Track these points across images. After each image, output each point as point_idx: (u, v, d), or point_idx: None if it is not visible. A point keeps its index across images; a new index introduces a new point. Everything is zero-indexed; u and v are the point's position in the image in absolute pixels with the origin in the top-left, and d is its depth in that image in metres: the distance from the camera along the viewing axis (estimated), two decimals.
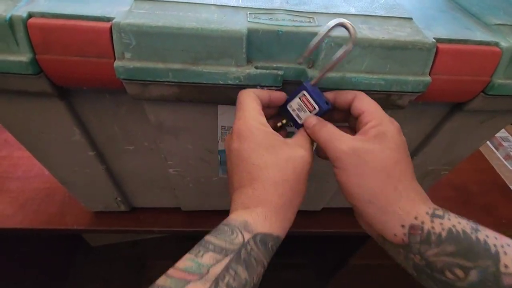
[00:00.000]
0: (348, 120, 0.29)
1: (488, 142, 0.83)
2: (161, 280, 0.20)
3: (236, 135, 0.25)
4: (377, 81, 0.27)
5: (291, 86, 0.28)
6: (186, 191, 0.46)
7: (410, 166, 0.25)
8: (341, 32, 0.25)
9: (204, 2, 0.27)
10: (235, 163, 0.25)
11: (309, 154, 0.25)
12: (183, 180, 0.43)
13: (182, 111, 0.31)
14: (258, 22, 0.25)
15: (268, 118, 0.26)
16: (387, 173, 0.23)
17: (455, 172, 0.64)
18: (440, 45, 0.27)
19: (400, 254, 0.24)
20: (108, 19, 0.24)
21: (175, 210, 0.52)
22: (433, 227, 0.22)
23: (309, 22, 0.26)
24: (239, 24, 0.25)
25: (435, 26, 0.29)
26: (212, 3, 0.27)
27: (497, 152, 0.80)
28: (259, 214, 0.23)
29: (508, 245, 0.20)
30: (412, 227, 0.22)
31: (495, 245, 0.21)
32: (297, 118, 0.28)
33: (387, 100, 0.29)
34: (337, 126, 0.26)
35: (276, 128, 0.28)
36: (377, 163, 0.23)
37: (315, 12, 0.28)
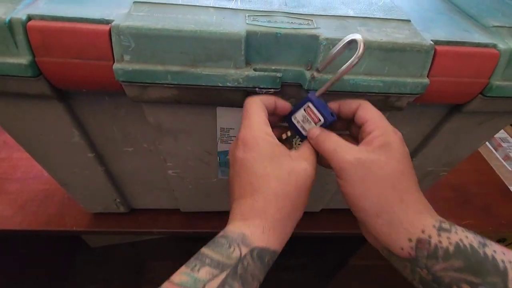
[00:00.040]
0: (349, 128, 0.28)
1: (487, 143, 0.83)
2: None
3: (242, 143, 0.25)
4: (376, 83, 0.27)
5: (289, 88, 0.28)
6: (185, 192, 0.46)
7: (415, 177, 0.24)
8: (339, 34, 0.26)
9: (203, 5, 0.27)
10: (237, 172, 0.25)
11: (313, 168, 0.25)
12: (182, 181, 0.43)
13: (181, 113, 0.31)
14: (256, 25, 0.25)
15: (273, 126, 0.26)
16: (393, 184, 0.23)
17: (454, 173, 0.64)
18: (438, 47, 0.27)
19: (407, 267, 0.23)
20: (107, 22, 0.24)
21: (174, 211, 0.52)
22: (440, 241, 0.22)
23: (308, 24, 0.27)
24: (238, 26, 0.25)
25: (433, 28, 0.29)
26: (211, 6, 0.27)
27: (496, 153, 0.80)
28: (257, 227, 0.23)
29: None
30: (419, 241, 0.22)
31: (503, 261, 0.20)
32: (302, 130, 0.28)
33: (385, 102, 0.29)
34: (339, 135, 0.26)
35: (281, 139, 0.28)
36: (383, 174, 0.23)
37: (313, 15, 0.28)
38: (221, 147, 0.37)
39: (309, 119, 0.27)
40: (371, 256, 0.67)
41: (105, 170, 0.40)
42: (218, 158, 0.39)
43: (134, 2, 0.26)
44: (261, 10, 0.28)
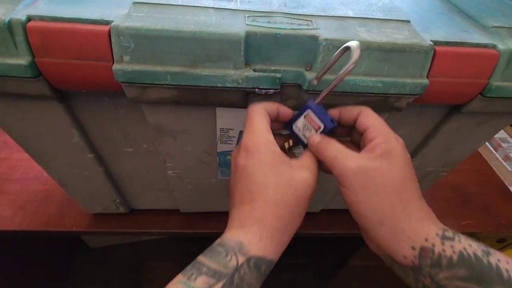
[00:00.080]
0: (351, 135, 0.28)
1: (487, 143, 0.83)
2: None
3: (244, 150, 0.25)
4: (375, 83, 0.27)
5: (289, 88, 0.28)
6: (185, 193, 0.46)
7: (417, 184, 0.24)
8: (339, 35, 0.26)
9: (203, 5, 0.27)
10: (238, 178, 0.25)
11: (313, 177, 0.25)
12: (182, 182, 0.43)
13: (180, 113, 0.31)
14: (256, 25, 0.25)
15: (276, 134, 0.26)
16: (396, 192, 0.23)
17: (454, 173, 0.64)
18: (438, 48, 0.27)
19: (410, 276, 0.23)
20: (107, 22, 0.24)
21: (174, 212, 0.52)
22: (443, 250, 0.22)
23: (307, 25, 0.27)
24: (237, 27, 0.25)
25: (433, 29, 0.29)
26: (211, 6, 0.27)
27: (496, 153, 0.80)
28: (254, 235, 0.23)
29: None
30: (422, 250, 0.22)
31: (507, 270, 0.20)
32: (303, 138, 0.28)
33: (385, 102, 0.29)
34: (340, 141, 0.25)
35: (284, 148, 0.28)
36: (385, 182, 0.23)
37: (313, 15, 0.28)
38: (221, 147, 0.37)
39: (309, 126, 0.27)
40: (371, 257, 0.67)
41: (104, 170, 0.40)
42: (217, 158, 0.38)
43: (134, 3, 0.26)
44: (261, 10, 0.28)
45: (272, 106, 0.26)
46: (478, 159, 0.72)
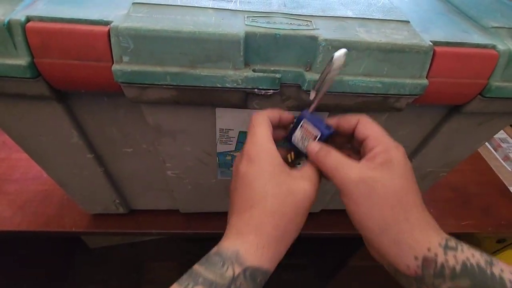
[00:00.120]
0: (351, 143, 0.28)
1: (487, 143, 0.83)
2: None
3: (246, 158, 0.25)
4: (375, 84, 0.27)
5: (288, 89, 0.28)
6: (185, 193, 0.46)
7: (419, 193, 0.24)
8: (338, 35, 0.26)
9: (202, 6, 0.27)
10: (238, 185, 0.25)
11: (313, 189, 0.25)
12: (182, 182, 0.43)
13: (180, 113, 0.31)
14: (255, 26, 0.25)
15: (279, 145, 0.26)
16: (398, 202, 0.23)
17: (454, 173, 0.64)
18: (437, 48, 0.27)
19: (413, 285, 0.23)
20: (106, 23, 0.24)
21: (173, 212, 0.52)
22: (446, 260, 0.21)
23: (307, 25, 0.27)
24: (237, 27, 0.25)
25: (432, 29, 0.29)
26: (210, 7, 0.27)
27: (495, 153, 0.80)
28: (251, 244, 0.23)
29: None
30: (425, 260, 0.22)
31: (510, 281, 0.20)
32: (303, 149, 0.28)
33: (384, 103, 0.29)
34: (340, 150, 0.25)
35: (287, 161, 0.28)
36: (386, 192, 0.23)
37: (312, 16, 0.28)
38: (220, 148, 0.37)
39: (307, 136, 0.27)
40: (370, 257, 0.67)
41: (104, 171, 0.40)
42: (217, 159, 0.38)
43: (133, 3, 0.26)
44: (260, 11, 0.28)
45: (274, 113, 0.27)
46: (478, 159, 0.72)
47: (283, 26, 0.26)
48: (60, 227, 0.50)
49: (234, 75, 0.25)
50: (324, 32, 0.26)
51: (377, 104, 0.29)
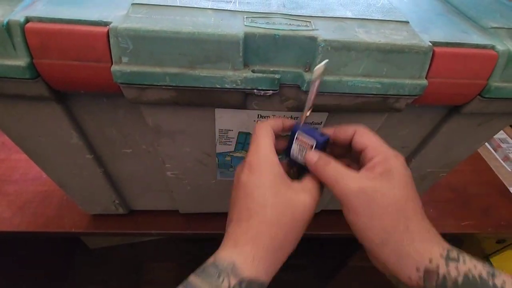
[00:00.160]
0: (350, 152, 0.28)
1: (486, 143, 0.83)
2: None
3: (247, 167, 0.25)
4: (374, 84, 0.27)
5: (288, 89, 0.28)
6: (184, 194, 0.46)
7: (419, 203, 0.24)
8: (337, 36, 0.26)
9: (201, 6, 0.27)
10: (239, 195, 0.25)
11: (313, 201, 0.25)
12: (181, 183, 0.43)
13: (179, 114, 0.31)
14: (255, 26, 0.25)
15: (283, 161, 0.26)
16: (398, 212, 0.22)
17: (453, 174, 0.64)
18: (437, 49, 0.27)
19: None
20: (106, 24, 0.24)
21: (173, 212, 0.52)
22: (448, 272, 0.21)
23: (306, 26, 0.27)
24: (236, 28, 0.25)
25: (432, 30, 0.29)
26: (209, 7, 0.27)
27: (495, 154, 0.80)
28: (248, 255, 0.22)
29: None
30: (427, 271, 0.22)
31: None
32: (302, 162, 0.28)
33: (384, 103, 0.29)
34: (339, 160, 0.25)
35: (290, 174, 0.28)
36: (386, 202, 0.22)
37: (311, 16, 0.28)
38: (220, 148, 0.37)
39: (303, 147, 0.27)
40: None
41: (103, 171, 0.40)
42: (216, 159, 0.38)
43: (132, 4, 0.26)
44: (259, 11, 0.28)
45: (277, 121, 0.27)
46: (477, 159, 0.72)
47: (282, 27, 0.26)
48: (60, 227, 0.50)
49: (234, 75, 0.25)
50: (323, 32, 0.26)
51: (377, 105, 0.29)
